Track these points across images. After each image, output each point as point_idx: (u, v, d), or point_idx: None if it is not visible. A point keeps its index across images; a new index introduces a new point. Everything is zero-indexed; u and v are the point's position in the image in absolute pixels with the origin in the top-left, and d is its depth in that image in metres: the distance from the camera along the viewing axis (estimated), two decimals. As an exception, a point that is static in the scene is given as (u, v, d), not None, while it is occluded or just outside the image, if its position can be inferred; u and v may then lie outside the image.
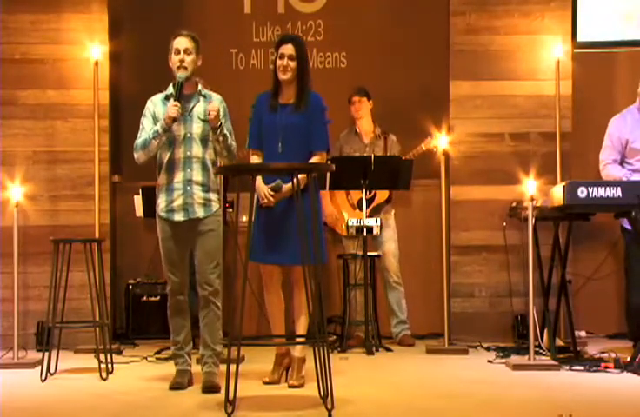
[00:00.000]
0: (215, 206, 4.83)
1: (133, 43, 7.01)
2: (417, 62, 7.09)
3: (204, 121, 4.75)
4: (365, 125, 6.70)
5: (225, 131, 4.72)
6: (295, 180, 4.27)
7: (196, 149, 4.76)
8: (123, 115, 7.03)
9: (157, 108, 4.82)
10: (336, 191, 6.60)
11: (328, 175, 6.02)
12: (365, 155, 6.47)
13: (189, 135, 4.76)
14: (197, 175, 4.76)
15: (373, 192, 6.55)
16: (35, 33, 6.56)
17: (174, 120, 4.68)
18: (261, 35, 7.25)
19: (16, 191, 5.72)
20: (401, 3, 7.20)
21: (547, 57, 6.59)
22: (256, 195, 4.67)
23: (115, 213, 6.87)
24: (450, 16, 6.73)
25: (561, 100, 6.45)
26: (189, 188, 4.75)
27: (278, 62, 4.82)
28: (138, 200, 6.42)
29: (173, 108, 4.66)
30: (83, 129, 6.53)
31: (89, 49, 6.42)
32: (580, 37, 6.91)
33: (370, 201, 6.54)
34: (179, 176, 4.75)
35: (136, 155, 4.81)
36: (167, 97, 4.82)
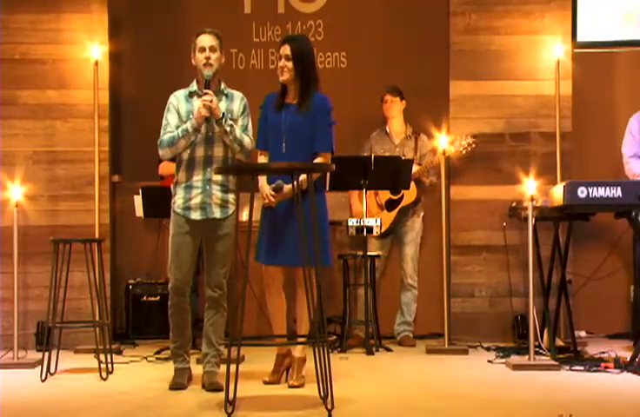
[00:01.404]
0: (232, 208, 4.77)
1: (133, 43, 7.00)
2: (417, 62, 7.08)
3: (231, 119, 4.72)
4: (396, 125, 6.66)
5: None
6: (295, 180, 4.26)
7: (218, 149, 4.73)
8: (123, 115, 7.02)
9: (181, 104, 4.77)
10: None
11: (328, 175, 6.01)
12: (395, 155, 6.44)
13: (210, 134, 4.72)
14: (217, 175, 4.73)
15: (401, 193, 6.53)
16: (35, 33, 6.56)
17: (206, 119, 4.64)
18: (261, 35, 7.24)
19: (16, 191, 5.71)
20: (401, 2, 7.19)
21: (547, 57, 6.59)
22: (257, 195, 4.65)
23: (115, 213, 6.87)
24: (450, 16, 6.73)
25: (561, 100, 6.45)
26: (208, 187, 4.73)
27: (278, 63, 4.83)
28: (138, 200, 6.40)
29: (204, 106, 4.58)
30: (82, 129, 6.52)
31: (89, 49, 6.42)
32: (580, 37, 6.90)
33: (397, 203, 6.53)
34: (199, 175, 4.72)
35: (161, 152, 4.77)
36: (190, 94, 4.79)
